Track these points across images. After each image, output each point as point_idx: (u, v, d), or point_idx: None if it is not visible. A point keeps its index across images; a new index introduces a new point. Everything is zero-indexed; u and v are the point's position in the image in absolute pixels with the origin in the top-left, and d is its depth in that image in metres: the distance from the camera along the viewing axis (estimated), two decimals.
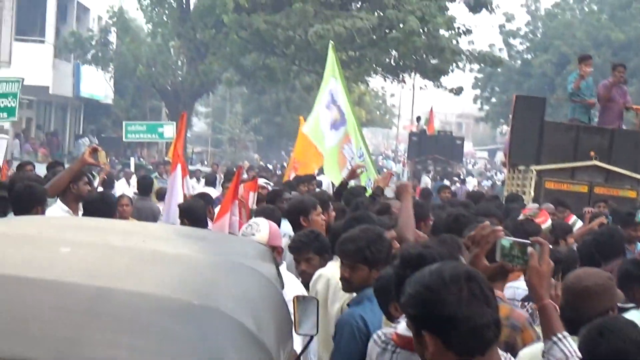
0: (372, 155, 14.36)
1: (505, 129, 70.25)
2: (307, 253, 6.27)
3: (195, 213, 7.69)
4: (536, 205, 12.47)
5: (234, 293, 2.79)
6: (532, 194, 14.95)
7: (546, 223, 8.77)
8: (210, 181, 17.73)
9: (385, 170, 36.41)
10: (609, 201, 13.50)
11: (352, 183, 10.90)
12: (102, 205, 7.26)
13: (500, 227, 3.66)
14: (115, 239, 3.25)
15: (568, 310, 4.17)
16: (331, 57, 13.26)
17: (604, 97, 15.59)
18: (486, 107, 63.01)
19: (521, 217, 8.95)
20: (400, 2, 31.08)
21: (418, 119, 42.73)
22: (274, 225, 6.32)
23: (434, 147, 36.93)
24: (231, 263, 3.27)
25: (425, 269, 2.78)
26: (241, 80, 39.98)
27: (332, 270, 5.89)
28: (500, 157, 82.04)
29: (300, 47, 33.12)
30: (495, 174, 61.11)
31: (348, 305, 5.11)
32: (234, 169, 13.54)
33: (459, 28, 34.27)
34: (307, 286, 6.07)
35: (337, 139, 12.70)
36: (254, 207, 9.13)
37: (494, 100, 61.74)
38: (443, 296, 2.64)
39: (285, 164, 46.62)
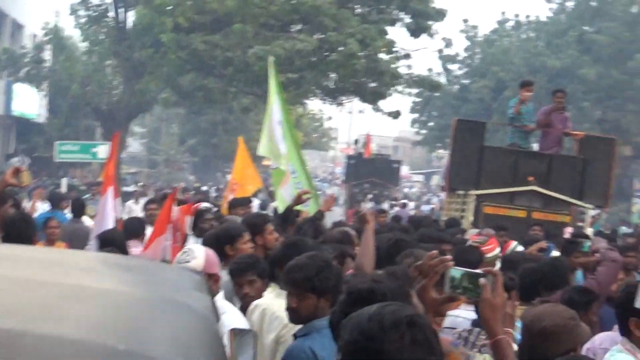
0: (312, 178, 14.06)
1: (442, 153, 70.76)
2: (250, 275, 6.04)
3: (115, 243, 7.39)
4: (476, 230, 12.37)
5: (165, 334, 2.49)
6: (471, 218, 14.87)
7: (494, 251, 8.57)
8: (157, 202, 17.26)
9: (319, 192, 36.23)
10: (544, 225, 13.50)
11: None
12: (22, 225, 6.91)
13: (449, 257, 3.43)
14: (34, 271, 2.94)
15: (527, 350, 3.97)
16: (272, 73, 13.04)
17: (543, 122, 15.64)
18: (423, 131, 63.32)
19: (470, 243, 8.73)
20: (341, 25, 30.98)
21: (356, 141, 42.81)
22: (211, 251, 5.85)
23: (371, 170, 36.94)
24: (162, 298, 2.97)
25: (364, 311, 2.54)
26: (178, 100, 39.56)
27: (267, 301, 5.66)
28: (436, 180, 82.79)
29: (238, 68, 32.81)
30: (431, 198, 61.26)
31: (295, 336, 4.83)
32: (167, 191, 13.19)
33: (398, 52, 34.35)
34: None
35: (285, 153, 12.47)
36: (190, 232, 8.85)
37: (431, 124, 62.08)
38: (382, 345, 2.41)
39: (221, 187, 46.25)
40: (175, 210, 8.44)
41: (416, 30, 34.09)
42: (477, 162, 15.31)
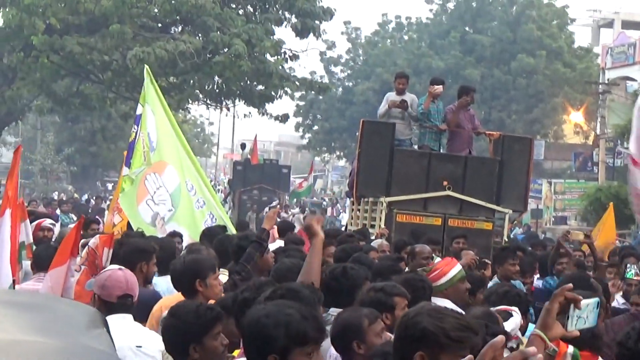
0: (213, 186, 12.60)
1: (327, 157, 70.06)
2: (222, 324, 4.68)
3: None
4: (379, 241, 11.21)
5: None
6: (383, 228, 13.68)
7: (453, 270, 6.97)
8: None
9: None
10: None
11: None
12: None
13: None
14: None
15: None
16: (147, 81, 11.67)
17: (452, 122, 14.61)
18: (308, 135, 62.49)
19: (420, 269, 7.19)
20: (225, 25, 29.54)
21: (243, 146, 41.31)
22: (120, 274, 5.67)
23: (259, 176, 35.66)
24: (72, 348, 2.45)
25: None
26: (53, 107, 37.37)
27: None
28: (320, 184, 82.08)
29: (117, 73, 31.08)
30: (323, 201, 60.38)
31: None
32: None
33: (285, 53, 33.12)
34: None
35: (142, 168, 11.09)
36: (108, 264, 7.44)
37: (315, 127, 61.31)
38: None
39: (103, 195, 44.29)
40: (95, 239, 7.30)
41: (302, 30, 32.90)
42: (388, 166, 14.11)
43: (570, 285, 2.98)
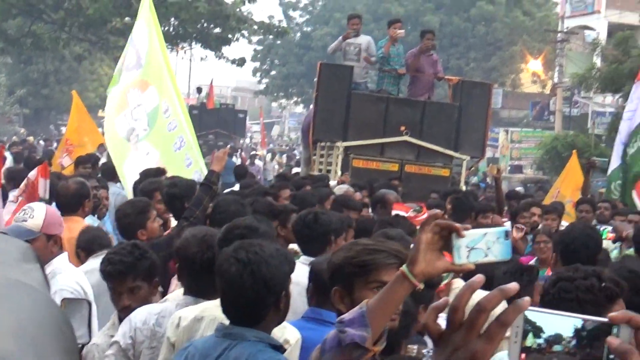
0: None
1: (285, 102, 69.58)
2: (133, 280, 4.38)
3: None
4: (345, 186, 11.01)
5: (9, 327, 1.63)
6: (339, 173, 13.53)
7: None
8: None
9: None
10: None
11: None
12: None
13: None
14: None
15: None
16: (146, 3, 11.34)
17: (413, 66, 14.44)
18: (265, 80, 61.94)
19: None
20: None
21: (199, 90, 40.76)
22: (52, 210, 5.54)
23: (215, 120, 35.36)
24: (3, 282, 1.98)
25: None
26: (5, 48, 36.57)
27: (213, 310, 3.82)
28: (277, 131, 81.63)
29: (70, 12, 30.35)
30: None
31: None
32: None
33: None
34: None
35: (126, 81, 10.85)
36: (46, 196, 7.29)
37: (273, 73, 60.75)
38: None
39: (58, 139, 43.56)
40: (34, 171, 7.49)
41: None
42: (345, 110, 13.91)
43: (437, 211, 2.65)
